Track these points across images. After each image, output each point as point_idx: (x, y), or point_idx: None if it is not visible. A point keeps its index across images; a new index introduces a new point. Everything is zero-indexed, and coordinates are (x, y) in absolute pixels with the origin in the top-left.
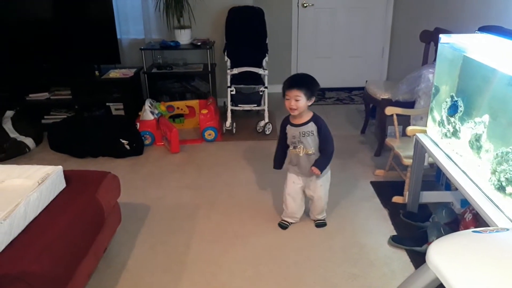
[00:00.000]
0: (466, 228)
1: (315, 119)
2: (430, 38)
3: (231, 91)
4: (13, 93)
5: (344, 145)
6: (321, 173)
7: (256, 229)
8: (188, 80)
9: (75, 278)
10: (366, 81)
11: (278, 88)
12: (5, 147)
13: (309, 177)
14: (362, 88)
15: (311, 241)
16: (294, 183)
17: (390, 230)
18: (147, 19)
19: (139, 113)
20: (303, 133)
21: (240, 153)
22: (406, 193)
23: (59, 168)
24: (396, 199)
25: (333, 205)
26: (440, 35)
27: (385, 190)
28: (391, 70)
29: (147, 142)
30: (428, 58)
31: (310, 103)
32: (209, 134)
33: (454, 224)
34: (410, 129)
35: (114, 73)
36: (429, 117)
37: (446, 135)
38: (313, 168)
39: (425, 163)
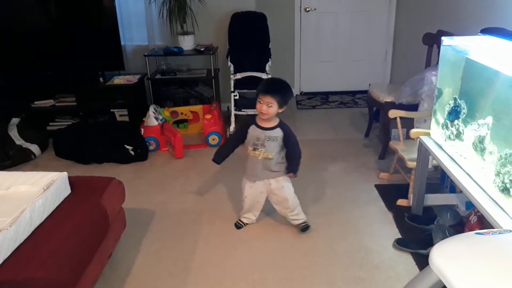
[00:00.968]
0: (471, 230)
1: (281, 125)
2: (433, 40)
3: (234, 96)
4: (19, 101)
5: (348, 149)
6: (296, 176)
7: (260, 234)
8: (192, 86)
9: (80, 284)
10: (370, 84)
11: None
12: (10, 154)
13: (268, 180)
14: (366, 92)
15: (316, 245)
16: (251, 188)
17: (395, 233)
18: (151, 25)
19: (143, 119)
20: (269, 137)
21: (244, 158)
22: (410, 196)
23: (64, 174)
24: (401, 202)
25: (338, 208)
26: (443, 38)
27: (390, 193)
28: (394, 73)
29: (151, 147)
30: (431, 60)
31: (281, 111)
32: (213, 139)
33: (459, 226)
34: (413, 131)
35: (118, 80)
36: (433, 120)
37: (449, 137)
38: (290, 174)
39: (429, 166)
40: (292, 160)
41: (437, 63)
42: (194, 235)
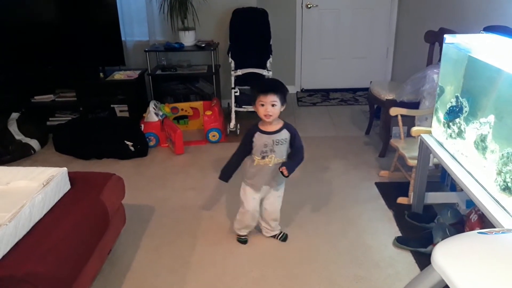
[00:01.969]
0: (472, 229)
1: (287, 126)
2: (435, 38)
3: (235, 92)
4: (19, 95)
5: (348, 146)
6: (288, 175)
7: (260, 230)
8: (192, 82)
9: (80, 280)
10: (371, 82)
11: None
12: (10, 149)
13: (270, 186)
14: (367, 89)
15: (316, 243)
16: (254, 199)
17: (395, 231)
18: (152, 21)
19: (144, 115)
20: (277, 141)
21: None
22: (411, 194)
23: (64, 169)
24: (401, 200)
25: (338, 206)
26: (445, 35)
27: (390, 191)
28: (396, 71)
29: (151, 143)
30: (432, 58)
31: (282, 109)
32: (213, 136)
33: (460, 225)
34: (415, 129)
35: (119, 75)
36: (434, 118)
37: (451, 135)
38: (282, 168)
39: (430, 164)
40: (295, 157)
41: (439, 61)
42: (194, 231)
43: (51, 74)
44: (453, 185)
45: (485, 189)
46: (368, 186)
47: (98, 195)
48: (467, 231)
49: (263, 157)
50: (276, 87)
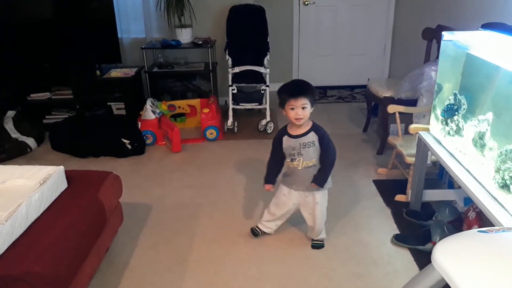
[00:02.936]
0: (470, 226)
1: (315, 128)
2: (433, 35)
3: (232, 90)
4: (15, 93)
5: (346, 144)
6: (322, 187)
7: None
8: (190, 79)
9: (77, 278)
10: (368, 79)
11: (279, 87)
12: (6, 147)
13: (305, 192)
14: (364, 86)
15: None
16: (284, 196)
17: (393, 229)
18: (148, 18)
19: (141, 113)
20: (304, 144)
21: (241, 152)
22: (409, 191)
23: (61, 168)
24: (399, 197)
25: (336, 203)
26: (443, 33)
27: (388, 189)
28: (393, 68)
29: (148, 141)
30: (430, 55)
31: (312, 110)
32: (211, 133)
33: (458, 222)
34: (412, 127)
35: (115, 73)
36: (432, 115)
37: (449, 133)
38: (313, 184)
39: (428, 161)
40: (323, 164)
41: (437, 58)
42: (191, 229)
43: (47, 71)
44: (451, 183)
45: (483, 187)
46: (366, 184)
47: (95, 193)
48: (465, 228)
49: (292, 160)
50: (306, 89)
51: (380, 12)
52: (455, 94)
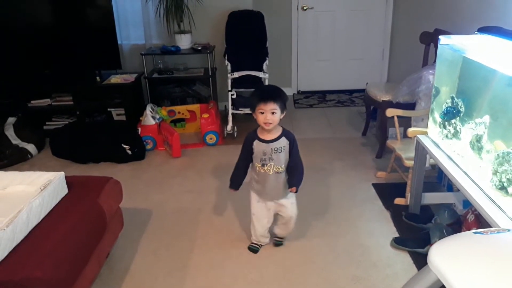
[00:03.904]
0: (469, 229)
1: (286, 133)
2: (430, 39)
3: (232, 95)
4: (15, 100)
5: (345, 148)
6: (297, 191)
7: None
8: (189, 85)
9: (78, 283)
10: (367, 83)
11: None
12: (7, 153)
13: (277, 200)
14: (363, 90)
15: (314, 244)
16: (258, 202)
17: (392, 232)
18: (148, 24)
19: (141, 118)
20: (275, 149)
21: None
22: (408, 194)
23: (61, 174)
24: (398, 200)
25: (335, 207)
26: (440, 37)
27: (387, 192)
28: (392, 72)
29: (148, 147)
30: (428, 59)
31: (282, 117)
32: (211, 138)
33: (457, 225)
34: (411, 130)
35: (115, 79)
36: (430, 119)
37: (447, 136)
38: (292, 189)
39: (427, 165)
40: (294, 170)
41: (434, 61)
42: (191, 234)
43: (47, 78)
44: (450, 186)
45: (481, 189)
46: (365, 187)
47: (95, 199)
48: (464, 231)
49: (262, 165)
50: (276, 94)
51: (378, 16)
52: (452, 98)
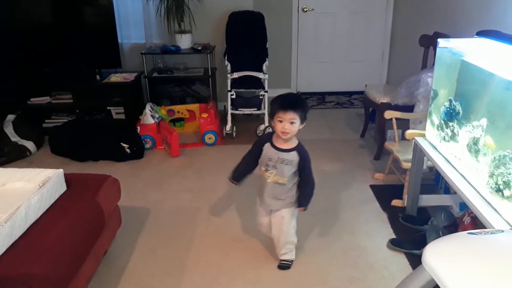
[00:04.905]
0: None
1: (299, 148)
2: (429, 42)
3: (231, 95)
4: (15, 97)
5: (343, 149)
6: (306, 209)
7: (256, 232)
8: (189, 84)
9: (75, 281)
10: (366, 85)
11: (277, 92)
12: (6, 150)
13: (269, 209)
14: (362, 92)
15: (311, 244)
16: (259, 210)
17: (389, 233)
18: (148, 23)
19: (140, 117)
20: (282, 159)
21: (240, 157)
22: (405, 196)
23: (60, 171)
24: (395, 202)
25: (333, 208)
26: (438, 40)
27: (384, 194)
28: (391, 74)
29: (147, 145)
30: (427, 62)
31: (301, 127)
32: (209, 138)
33: (453, 227)
34: (409, 132)
35: (115, 77)
36: (428, 121)
37: (444, 138)
38: (300, 209)
39: (424, 167)
40: (305, 186)
41: (433, 64)
42: (189, 233)
43: (47, 76)
44: (447, 188)
45: (478, 192)
46: (363, 189)
47: (94, 196)
48: None
49: (266, 170)
50: (297, 104)
51: (378, 19)
52: (450, 100)
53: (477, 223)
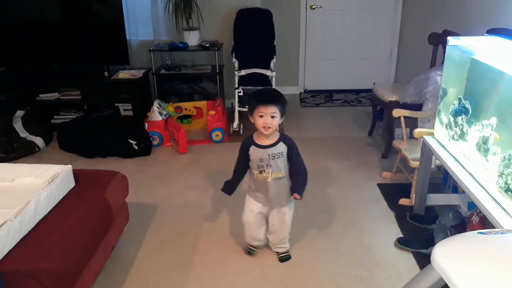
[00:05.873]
0: (473, 231)
1: (284, 138)
2: (439, 40)
3: (238, 92)
4: (24, 94)
5: (351, 147)
6: (301, 197)
7: None
8: (196, 81)
9: (83, 276)
10: (374, 83)
11: (285, 90)
12: (15, 146)
13: (280, 207)
14: (370, 90)
15: (318, 242)
16: (252, 212)
17: (396, 232)
18: (156, 20)
19: (148, 114)
20: (273, 155)
21: None
22: (413, 195)
23: (69, 167)
24: (403, 201)
25: (340, 206)
26: (448, 38)
27: (392, 192)
28: (399, 72)
29: (155, 142)
30: (436, 60)
31: (280, 122)
32: (217, 135)
33: (461, 226)
34: (417, 131)
35: (123, 74)
36: (437, 120)
37: (453, 137)
38: (295, 195)
39: (432, 166)
40: (296, 176)
41: (442, 63)
42: (196, 229)
43: (56, 72)
44: (455, 187)
45: (487, 191)
46: (370, 187)
47: (102, 192)
48: None
49: (260, 172)
50: (277, 98)
51: (386, 16)
52: (459, 99)
53: (485, 223)
